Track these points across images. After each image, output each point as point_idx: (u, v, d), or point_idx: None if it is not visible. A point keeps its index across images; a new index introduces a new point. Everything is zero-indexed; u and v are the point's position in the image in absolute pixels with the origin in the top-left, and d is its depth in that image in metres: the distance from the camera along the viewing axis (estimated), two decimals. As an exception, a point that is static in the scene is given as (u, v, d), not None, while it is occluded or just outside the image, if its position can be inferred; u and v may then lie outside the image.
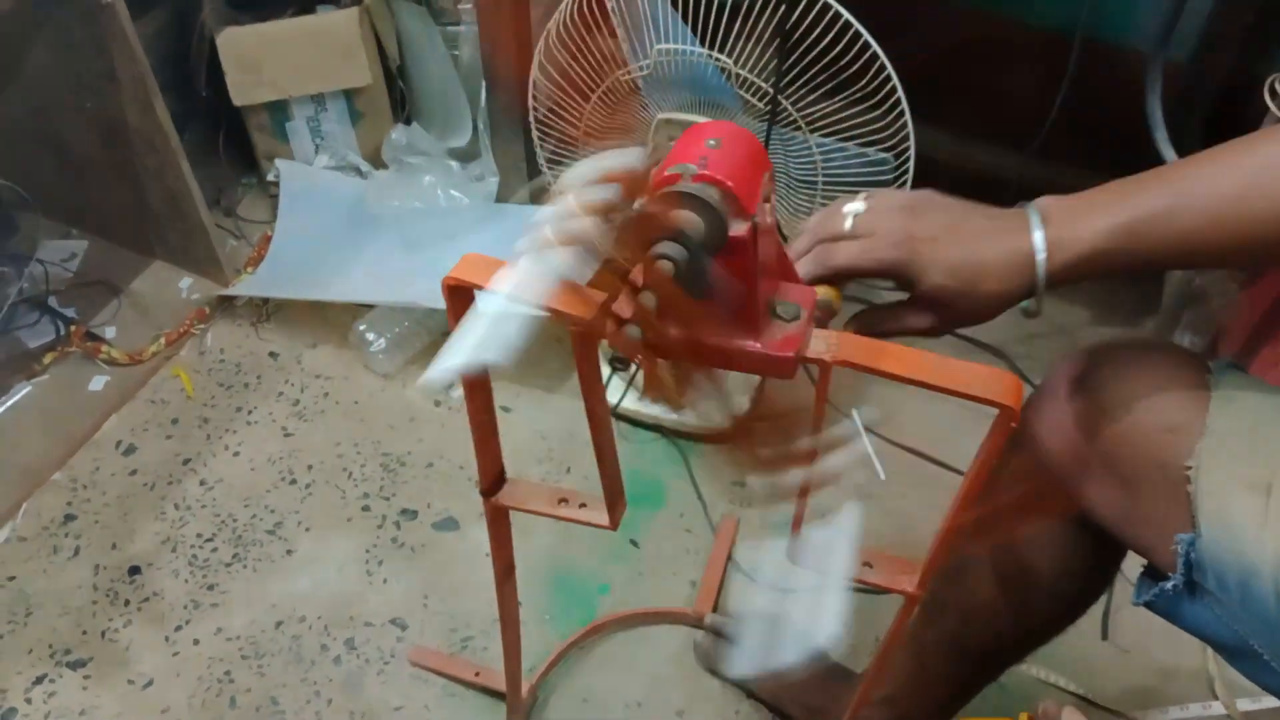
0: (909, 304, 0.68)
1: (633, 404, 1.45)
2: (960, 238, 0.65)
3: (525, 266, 0.51)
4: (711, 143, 0.53)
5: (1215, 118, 1.41)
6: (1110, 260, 0.64)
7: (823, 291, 0.66)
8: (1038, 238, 0.63)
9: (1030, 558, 0.85)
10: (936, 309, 0.67)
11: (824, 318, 0.66)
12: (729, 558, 1.33)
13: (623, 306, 0.52)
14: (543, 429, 1.47)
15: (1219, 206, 0.61)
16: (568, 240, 0.50)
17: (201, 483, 1.41)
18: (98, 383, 1.51)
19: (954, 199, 0.68)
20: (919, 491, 1.41)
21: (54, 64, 1.43)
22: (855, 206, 0.67)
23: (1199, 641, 0.79)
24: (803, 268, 0.67)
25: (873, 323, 0.70)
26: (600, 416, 0.74)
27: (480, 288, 0.65)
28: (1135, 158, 1.20)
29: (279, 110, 1.70)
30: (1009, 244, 0.64)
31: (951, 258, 0.64)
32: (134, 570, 1.31)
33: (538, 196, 1.64)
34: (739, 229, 0.52)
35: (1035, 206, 0.65)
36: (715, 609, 1.27)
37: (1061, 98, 1.26)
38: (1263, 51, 1.46)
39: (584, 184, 0.51)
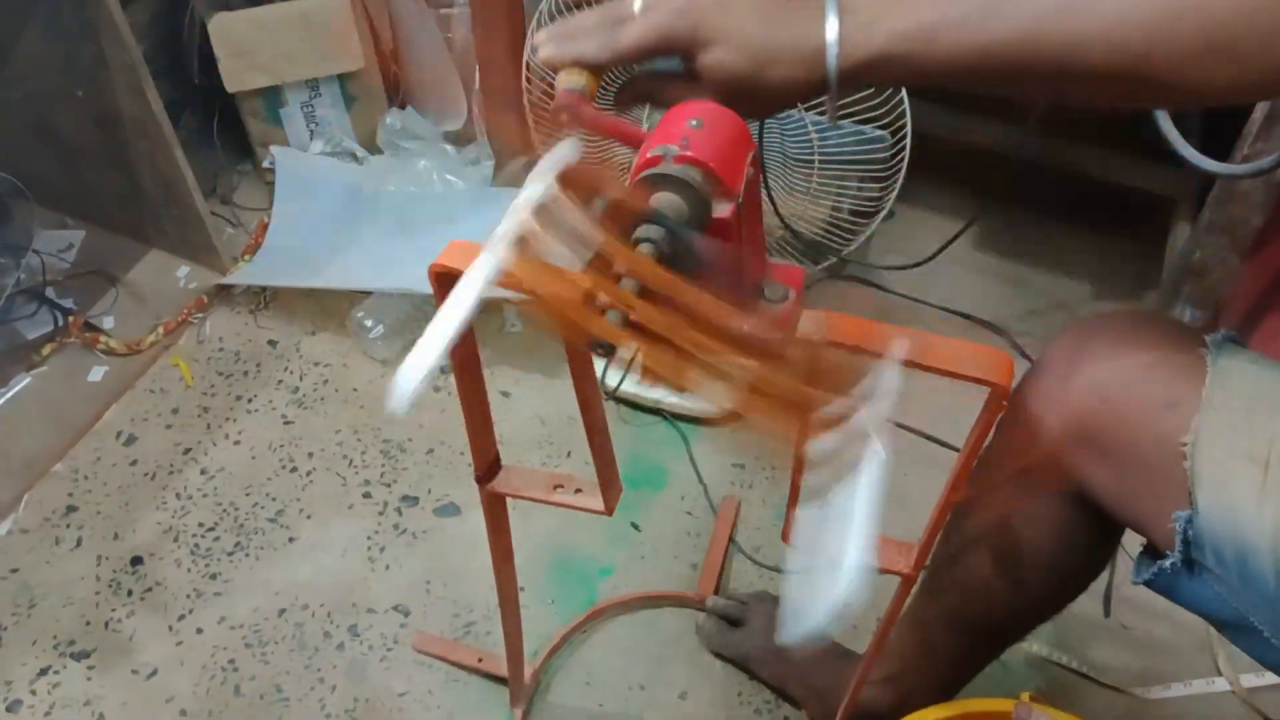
0: (688, 78, 0.62)
1: (632, 387, 1.44)
2: (754, 14, 0.60)
3: (499, 254, 0.51)
4: (693, 123, 0.52)
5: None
6: (906, 64, 0.59)
7: (574, 76, 0.62)
8: (832, 28, 0.58)
9: (1029, 533, 0.85)
10: (717, 90, 0.61)
11: (576, 106, 0.61)
12: (730, 539, 1.33)
13: (605, 293, 0.51)
14: (542, 413, 1.47)
15: (1032, 21, 0.57)
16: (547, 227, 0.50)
17: (202, 472, 1.41)
18: (97, 373, 1.51)
19: None
20: (919, 470, 1.39)
21: (45, 51, 1.42)
22: None
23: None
24: (580, 44, 0.62)
25: (643, 89, 0.65)
26: (591, 401, 0.73)
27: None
28: (1134, 132, 1.19)
29: (272, 96, 1.69)
30: (804, 30, 0.59)
31: (743, 32, 0.60)
32: (136, 560, 1.31)
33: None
34: (723, 210, 0.51)
35: None
36: (717, 591, 1.27)
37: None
38: None
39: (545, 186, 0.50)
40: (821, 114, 0.64)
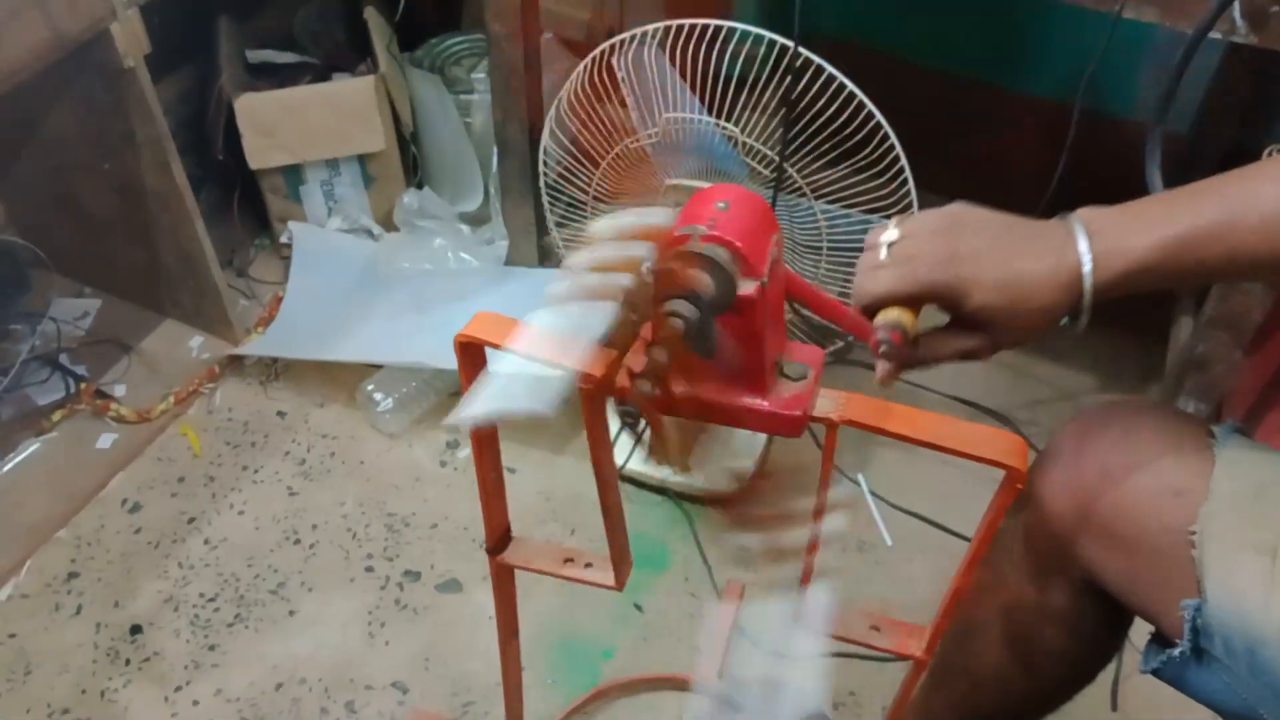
0: (955, 327, 0.66)
1: (638, 466, 1.45)
2: (1004, 253, 0.63)
3: (549, 320, 0.52)
4: (720, 205, 0.54)
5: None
6: (1158, 273, 0.62)
7: (894, 313, 0.63)
8: (1084, 251, 0.62)
9: (1038, 621, 0.84)
10: (984, 328, 0.65)
11: (895, 344, 0.63)
12: (734, 622, 1.32)
13: (635, 361, 0.52)
14: (548, 490, 1.47)
15: (1271, 222, 0.60)
16: (596, 293, 0.51)
17: (205, 541, 1.40)
18: (105, 440, 1.51)
19: (990, 211, 0.65)
20: (926, 557, 1.40)
21: (75, 125, 1.46)
22: (889, 235, 0.65)
23: (1209, 712, 0.79)
24: (860, 300, 0.65)
25: (921, 352, 0.67)
26: (608, 475, 0.74)
27: (492, 345, 0.66)
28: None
29: (293, 173, 1.73)
30: (1055, 258, 0.62)
31: (997, 274, 0.62)
32: (135, 629, 1.30)
33: (545, 257, 1.65)
34: (747, 288, 0.53)
35: (1078, 218, 0.63)
36: (720, 675, 1.25)
37: (1062, 166, 1.28)
38: (1259, 123, 1.49)
39: (613, 237, 0.52)
40: (1065, 325, 0.67)
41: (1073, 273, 0.61)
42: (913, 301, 0.63)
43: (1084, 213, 0.63)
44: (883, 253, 0.63)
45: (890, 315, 0.63)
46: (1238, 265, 0.61)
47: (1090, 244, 0.61)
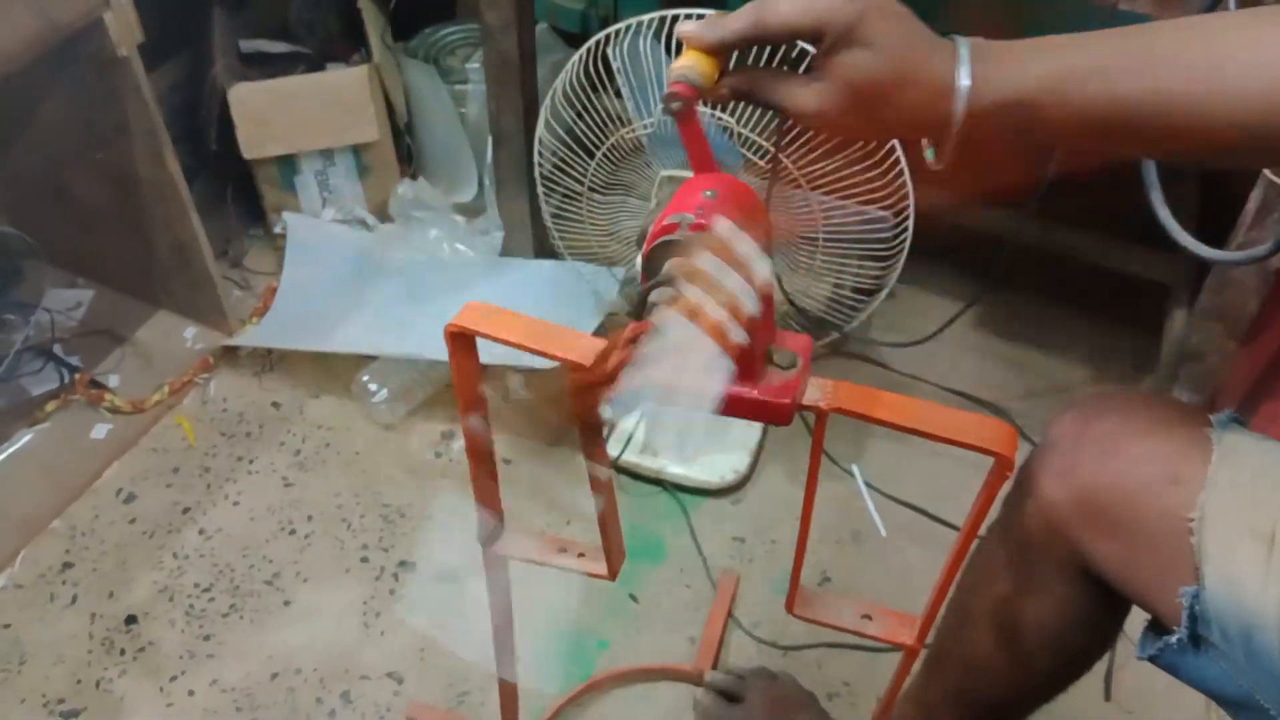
0: (808, 77, 0.59)
1: (633, 456, 1.45)
2: (909, 31, 0.58)
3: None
4: (708, 193, 0.54)
5: (1209, 177, 1.43)
6: (1032, 112, 0.57)
7: (689, 59, 0.57)
8: (964, 67, 0.56)
9: (1035, 610, 0.85)
10: (842, 95, 0.58)
11: (685, 98, 0.58)
12: (729, 614, 1.32)
13: (622, 354, 0.52)
14: (545, 481, 1.47)
15: (1167, 88, 0.55)
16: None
17: (200, 532, 1.40)
18: (100, 431, 1.51)
19: None
20: (920, 548, 1.40)
21: (67, 115, 1.45)
22: None
23: (1204, 701, 0.79)
24: (732, 23, 0.58)
25: (754, 85, 0.61)
26: (598, 460, 0.74)
27: (482, 335, 0.66)
28: (1131, 216, 1.22)
29: (287, 164, 1.73)
30: (942, 65, 0.57)
31: (896, 42, 0.56)
32: (130, 620, 1.30)
33: (540, 248, 1.65)
34: (736, 277, 0.53)
35: (965, 40, 0.58)
36: (715, 666, 1.26)
37: (1056, 159, 1.28)
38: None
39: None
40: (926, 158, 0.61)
41: (949, 85, 0.57)
42: (790, 37, 0.56)
43: (970, 38, 0.59)
44: None
45: (686, 61, 0.57)
46: (1120, 121, 0.57)
47: (972, 67, 0.57)
